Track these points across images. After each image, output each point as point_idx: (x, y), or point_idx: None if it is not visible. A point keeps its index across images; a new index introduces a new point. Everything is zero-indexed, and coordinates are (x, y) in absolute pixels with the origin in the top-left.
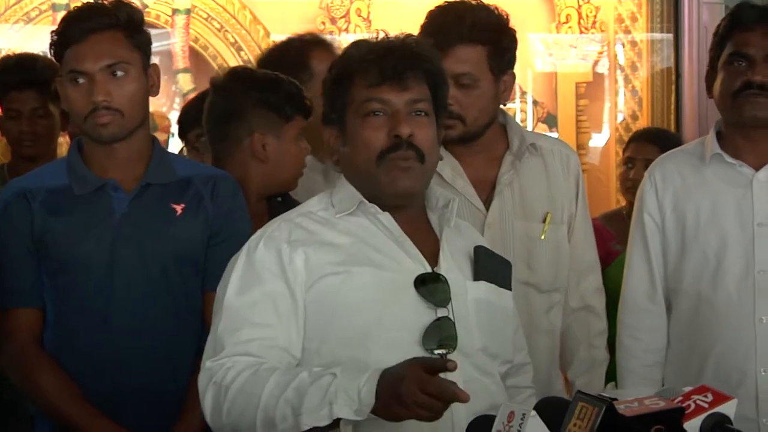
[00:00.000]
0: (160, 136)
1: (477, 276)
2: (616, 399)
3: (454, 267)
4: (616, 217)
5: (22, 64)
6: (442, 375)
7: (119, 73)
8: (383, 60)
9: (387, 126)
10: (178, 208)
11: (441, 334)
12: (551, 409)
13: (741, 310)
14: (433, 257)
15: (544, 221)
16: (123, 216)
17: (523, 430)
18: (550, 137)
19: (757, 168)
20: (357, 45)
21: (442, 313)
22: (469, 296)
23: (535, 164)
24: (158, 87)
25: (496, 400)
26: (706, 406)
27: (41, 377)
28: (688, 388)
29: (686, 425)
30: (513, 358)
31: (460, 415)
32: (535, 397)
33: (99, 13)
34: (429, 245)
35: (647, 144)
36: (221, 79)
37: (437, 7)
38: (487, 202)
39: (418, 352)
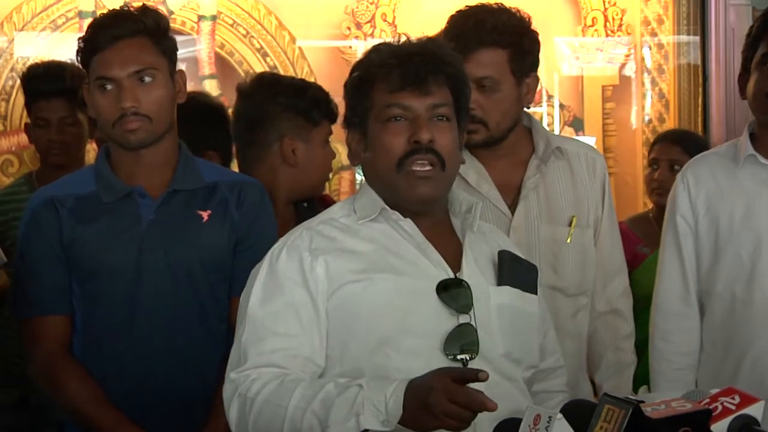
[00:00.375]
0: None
1: (500, 281)
2: (642, 401)
3: (477, 272)
4: (642, 220)
5: (50, 72)
6: None
7: (147, 79)
8: (404, 65)
9: (408, 131)
10: (205, 215)
11: (462, 340)
12: (577, 412)
13: None
14: (456, 263)
15: (569, 225)
16: (150, 223)
17: None
18: (576, 140)
19: None
20: (378, 49)
21: (464, 319)
22: (492, 302)
23: (561, 168)
24: (185, 93)
25: (519, 406)
26: (733, 408)
27: (68, 384)
28: (715, 390)
29: (713, 427)
30: (538, 363)
31: (482, 420)
32: None
33: (126, 19)
34: (452, 250)
35: (671, 145)
36: (248, 85)
37: (458, 11)
38: (513, 206)
39: (440, 358)
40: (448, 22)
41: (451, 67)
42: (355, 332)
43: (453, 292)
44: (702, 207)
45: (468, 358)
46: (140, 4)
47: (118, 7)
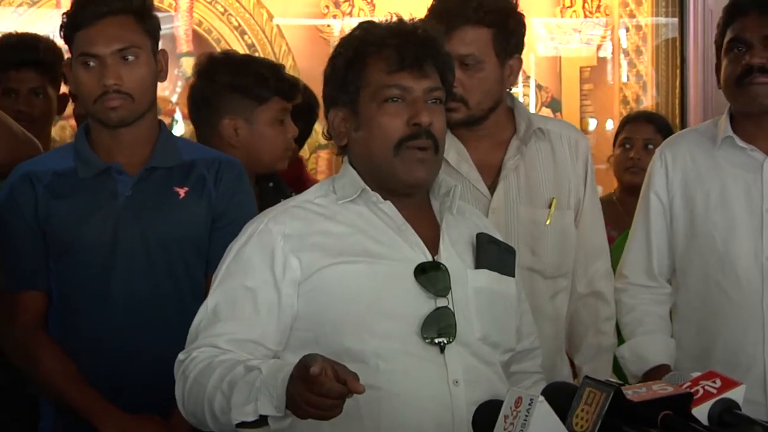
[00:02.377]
0: (164, 120)
1: (478, 264)
2: (623, 384)
3: (454, 255)
4: (606, 203)
5: (24, 43)
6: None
7: (130, 58)
8: (403, 46)
9: (405, 113)
10: (182, 192)
11: (440, 323)
12: (559, 395)
13: (750, 295)
14: (434, 245)
15: (549, 207)
16: (127, 199)
17: (530, 416)
18: (559, 121)
19: None
20: (368, 27)
21: (441, 302)
22: (470, 285)
23: (543, 149)
24: (166, 72)
25: (497, 389)
26: (714, 391)
27: (42, 359)
28: (696, 374)
29: (694, 411)
30: (515, 346)
31: (460, 405)
32: (543, 382)
33: None
34: (431, 233)
35: (645, 123)
36: (199, 64)
37: None
38: (492, 187)
39: (417, 341)
40: (434, 0)
41: (441, 51)
42: (330, 316)
43: (431, 275)
44: (678, 187)
45: (445, 342)
46: None
47: None
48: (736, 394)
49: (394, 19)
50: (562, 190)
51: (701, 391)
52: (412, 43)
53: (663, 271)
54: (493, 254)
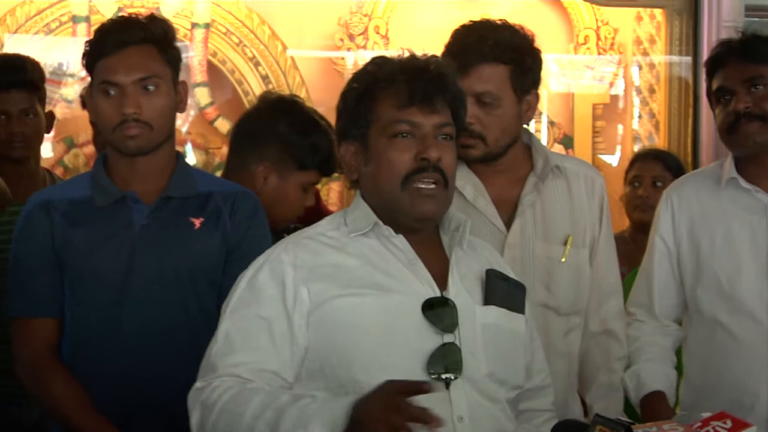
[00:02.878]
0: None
1: (487, 300)
2: (633, 423)
3: (463, 290)
4: (619, 240)
5: (10, 64)
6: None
7: (150, 87)
8: (413, 81)
9: (414, 148)
10: (197, 222)
11: (446, 359)
12: None
13: (755, 335)
14: (443, 280)
15: (565, 244)
16: (142, 228)
17: None
18: (576, 159)
19: None
20: (380, 62)
21: (448, 338)
22: (478, 321)
23: (559, 186)
24: (186, 103)
25: (503, 427)
26: None
27: (54, 386)
28: (706, 414)
29: None
30: (523, 383)
31: None
32: (554, 420)
33: (134, 26)
34: (440, 267)
35: (653, 162)
36: (268, 97)
37: (461, 26)
38: (509, 223)
39: (422, 377)
40: (450, 38)
41: (453, 87)
42: (337, 348)
43: (438, 311)
44: (685, 229)
45: (451, 378)
46: (147, 12)
47: (120, 14)
48: None
49: (407, 54)
50: (578, 227)
51: None
52: (423, 79)
53: (665, 312)
54: (502, 291)
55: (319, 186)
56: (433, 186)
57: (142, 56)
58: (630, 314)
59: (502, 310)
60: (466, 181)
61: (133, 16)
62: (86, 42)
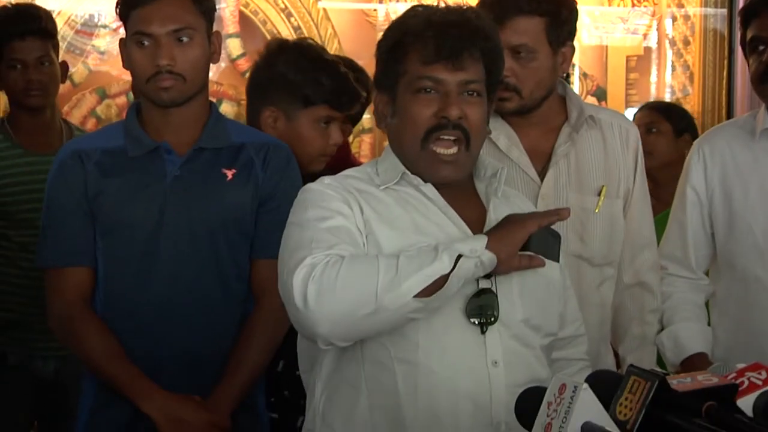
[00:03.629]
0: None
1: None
2: (668, 374)
3: None
4: None
5: (25, 13)
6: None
7: (185, 39)
8: (440, 36)
9: (437, 104)
10: (229, 174)
11: (483, 304)
12: (603, 383)
13: None
14: (479, 227)
15: (599, 194)
16: (174, 179)
17: (574, 403)
18: (610, 110)
19: None
20: (412, 14)
21: (485, 284)
22: None
23: (593, 137)
24: (219, 54)
25: (536, 373)
26: (760, 383)
27: (87, 336)
28: (741, 365)
29: (739, 402)
30: (557, 330)
31: (499, 386)
32: (588, 369)
33: None
34: (475, 215)
35: (644, 110)
36: (272, 45)
37: None
38: (542, 174)
39: (459, 320)
40: None
41: (487, 41)
42: None
43: None
44: (717, 180)
45: (487, 323)
46: None
47: None
48: None
49: (442, 5)
50: (612, 178)
51: (747, 383)
52: (451, 35)
53: (700, 263)
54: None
55: (350, 138)
56: (452, 150)
57: (177, 7)
58: (662, 267)
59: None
60: (499, 132)
61: None
62: None
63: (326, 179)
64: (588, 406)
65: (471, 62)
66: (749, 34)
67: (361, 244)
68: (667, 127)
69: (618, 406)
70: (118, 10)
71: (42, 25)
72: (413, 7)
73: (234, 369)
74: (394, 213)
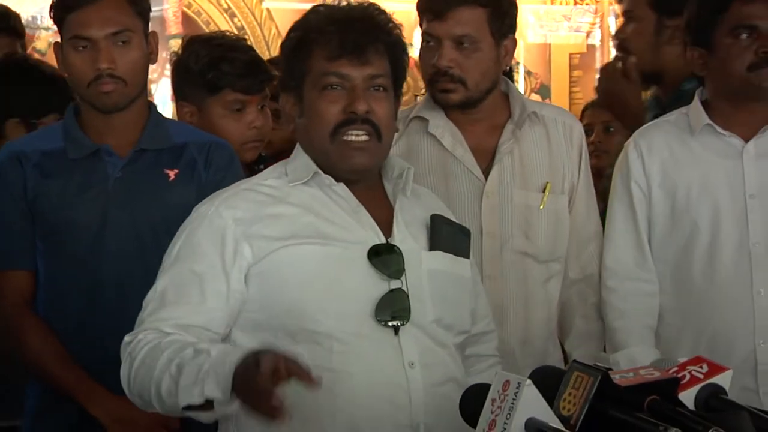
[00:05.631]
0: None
1: (433, 245)
2: (611, 369)
3: (408, 237)
4: None
5: None
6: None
7: (123, 41)
8: (343, 32)
9: (344, 101)
10: (171, 174)
11: (394, 305)
12: (547, 379)
13: (738, 283)
14: (388, 227)
15: (543, 191)
16: (116, 180)
17: (518, 399)
18: (553, 106)
19: (747, 139)
20: (317, 11)
21: (395, 284)
22: (424, 267)
23: (537, 133)
24: (157, 54)
25: (452, 372)
26: (701, 377)
27: (29, 338)
28: (683, 359)
29: (681, 396)
30: (470, 328)
31: (417, 387)
32: (528, 368)
33: None
34: (385, 215)
35: (599, 110)
36: (183, 42)
37: None
38: (487, 171)
39: (370, 323)
40: None
41: (390, 36)
42: (284, 299)
43: (384, 258)
44: (656, 176)
45: (399, 324)
46: None
47: None
48: (723, 380)
49: (343, 3)
50: (557, 174)
51: (688, 376)
52: (353, 30)
53: (651, 259)
54: (447, 236)
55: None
56: (364, 138)
57: (114, 9)
58: (612, 274)
59: (448, 255)
60: (444, 130)
61: None
62: None
63: (217, 199)
64: (532, 402)
65: (376, 57)
66: (732, 21)
67: (219, 289)
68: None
69: (562, 402)
70: (52, 14)
71: (11, 23)
72: (315, 7)
73: None
74: (297, 225)
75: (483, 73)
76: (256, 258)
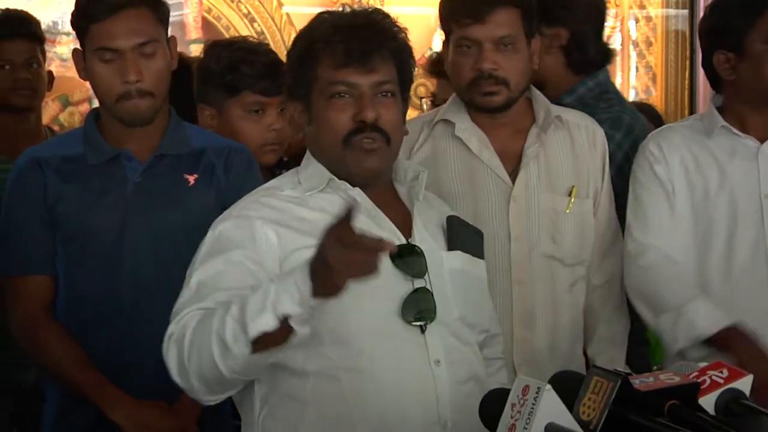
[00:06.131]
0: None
1: (451, 246)
2: (631, 374)
3: (428, 237)
4: None
5: (14, 16)
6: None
7: (149, 51)
8: (348, 40)
9: (352, 108)
10: (191, 179)
11: (419, 305)
12: (566, 384)
13: (755, 283)
14: (405, 230)
15: (569, 195)
16: (136, 186)
17: (538, 404)
18: (576, 111)
19: (762, 140)
20: (318, 21)
21: (419, 284)
22: (445, 266)
23: (561, 137)
24: (176, 59)
25: (476, 370)
26: (721, 381)
27: (50, 344)
28: (703, 364)
29: (701, 401)
30: (489, 327)
31: (443, 385)
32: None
33: None
34: (401, 218)
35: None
36: (205, 46)
37: None
38: (513, 175)
39: (397, 322)
40: None
41: (395, 42)
42: None
43: (407, 259)
44: (677, 173)
45: (426, 324)
46: None
47: None
48: (743, 384)
49: (347, 10)
50: (582, 178)
51: (708, 381)
52: (358, 38)
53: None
54: (463, 236)
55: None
56: (374, 142)
57: (139, 19)
58: (650, 247)
59: (466, 255)
60: (470, 133)
61: None
62: (77, 2)
63: (234, 210)
64: (551, 406)
65: (381, 63)
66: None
67: (257, 275)
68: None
69: (581, 407)
70: (72, 22)
71: (31, 28)
72: (320, 14)
73: None
74: (319, 228)
75: (522, 73)
76: (283, 251)
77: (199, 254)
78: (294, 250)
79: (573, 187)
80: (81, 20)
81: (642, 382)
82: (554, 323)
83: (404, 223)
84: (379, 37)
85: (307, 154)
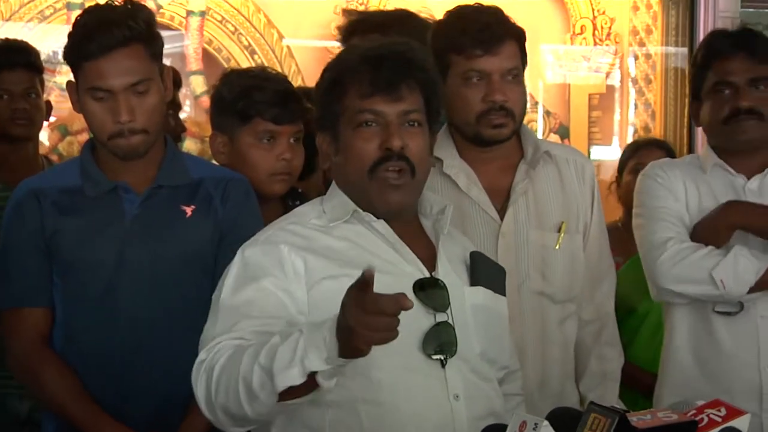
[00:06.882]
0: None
1: (474, 281)
2: (628, 411)
3: (451, 272)
4: (612, 230)
5: (14, 46)
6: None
7: (142, 89)
8: (375, 70)
9: (379, 137)
10: (188, 210)
11: (440, 339)
12: (563, 420)
13: (743, 309)
14: (429, 263)
15: (559, 231)
16: (133, 218)
17: None
18: (565, 146)
19: (749, 177)
20: (350, 51)
21: (441, 317)
22: (467, 302)
23: (550, 173)
24: (171, 90)
25: (495, 406)
26: (719, 420)
27: (46, 375)
28: (701, 402)
29: None
30: (509, 363)
31: (461, 420)
32: (546, 409)
33: (116, 25)
34: (425, 251)
35: (656, 149)
36: (221, 74)
37: (467, 6)
38: (502, 211)
39: (418, 356)
40: (458, 20)
41: (422, 72)
42: None
43: (429, 292)
44: (680, 192)
45: (446, 358)
46: None
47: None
48: (741, 423)
49: (375, 42)
50: (571, 214)
51: (706, 420)
52: (385, 67)
53: None
54: (486, 272)
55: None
56: (399, 175)
57: (131, 58)
58: (678, 242)
59: (488, 292)
60: (458, 170)
61: (111, 5)
62: (69, 37)
63: (262, 236)
64: None
65: (408, 92)
66: (713, 78)
67: (287, 305)
68: None
69: None
70: (64, 57)
71: (31, 59)
72: (349, 45)
73: (197, 407)
74: (345, 257)
75: (524, 104)
76: (309, 279)
77: (227, 279)
78: (321, 278)
79: (562, 222)
80: (73, 57)
81: (640, 419)
82: (544, 360)
83: (428, 257)
84: (406, 66)
85: (333, 184)
